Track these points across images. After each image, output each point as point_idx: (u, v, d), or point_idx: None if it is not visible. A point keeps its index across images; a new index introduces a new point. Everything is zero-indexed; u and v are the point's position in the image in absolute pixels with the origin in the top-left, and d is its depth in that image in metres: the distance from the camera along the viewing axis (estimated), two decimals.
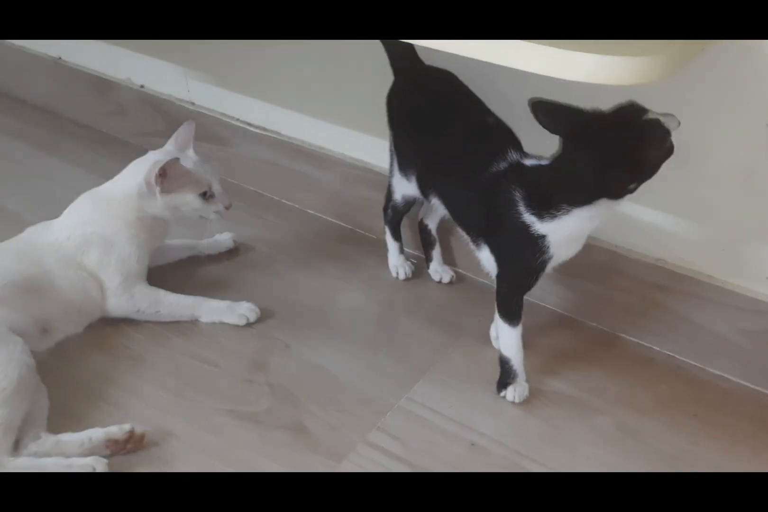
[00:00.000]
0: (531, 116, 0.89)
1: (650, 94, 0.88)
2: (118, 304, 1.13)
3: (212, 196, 1.16)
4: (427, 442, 1.00)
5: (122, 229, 1.14)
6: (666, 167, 1.03)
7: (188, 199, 1.14)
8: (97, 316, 1.14)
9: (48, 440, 0.92)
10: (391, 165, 1.19)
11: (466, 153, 1.00)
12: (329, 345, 1.15)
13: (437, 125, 1.05)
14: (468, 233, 1.05)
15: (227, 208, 1.19)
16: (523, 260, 0.97)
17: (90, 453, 0.92)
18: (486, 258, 1.03)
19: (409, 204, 1.21)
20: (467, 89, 1.06)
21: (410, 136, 1.11)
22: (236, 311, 1.16)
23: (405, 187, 1.17)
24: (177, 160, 1.12)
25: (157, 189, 1.11)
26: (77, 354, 1.10)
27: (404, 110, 1.13)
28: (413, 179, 1.14)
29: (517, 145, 0.99)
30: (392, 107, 1.16)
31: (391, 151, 1.18)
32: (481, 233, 1.02)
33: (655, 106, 0.88)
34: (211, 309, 1.17)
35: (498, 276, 1.03)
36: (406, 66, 1.13)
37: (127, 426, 0.94)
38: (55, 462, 0.90)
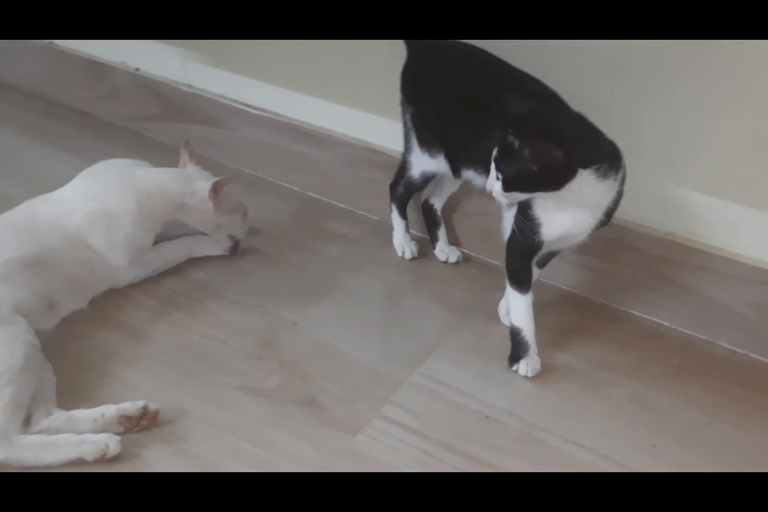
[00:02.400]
0: None
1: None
2: (124, 279, 1.14)
3: (245, 217, 1.24)
4: (441, 415, 0.98)
5: (134, 212, 1.13)
6: (673, 139, 1.04)
7: (236, 219, 1.22)
8: (101, 290, 1.13)
9: (60, 416, 0.90)
10: (408, 142, 1.17)
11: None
12: (337, 324, 1.14)
13: (471, 96, 1.03)
14: None
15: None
16: (525, 219, 0.96)
17: (103, 429, 0.90)
18: (509, 218, 1.02)
19: (427, 180, 1.20)
20: (493, 57, 1.04)
21: (436, 111, 1.09)
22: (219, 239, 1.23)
23: (427, 164, 1.16)
24: (229, 179, 1.19)
25: (210, 204, 1.16)
26: (83, 332, 1.07)
27: (426, 85, 1.11)
28: (438, 155, 1.12)
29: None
30: (409, 83, 1.14)
31: (407, 127, 1.17)
32: None
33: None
34: (198, 244, 1.23)
35: (508, 238, 1.03)
36: (421, 41, 1.11)
37: (140, 403, 0.92)
38: (67, 438, 0.88)
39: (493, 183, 0.92)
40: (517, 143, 0.86)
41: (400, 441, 0.94)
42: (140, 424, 0.92)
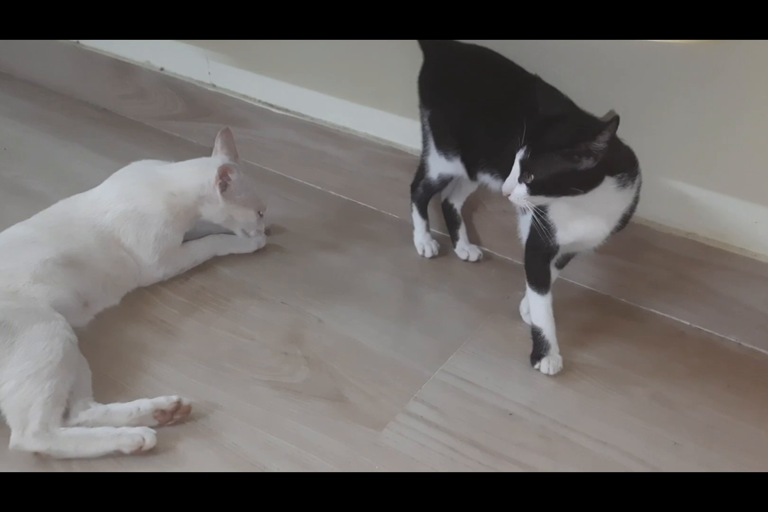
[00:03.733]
0: None
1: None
2: (154, 277, 1.19)
3: (261, 216, 1.25)
4: (465, 412, 1.00)
5: (163, 213, 1.16)
6: (696, 140, 1.05)
7: (248, 214, 1.23)
8: (132, 287, 1.16)
9: (97, 409, 0.93)
10: (426, 144, 1.19)
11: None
12: (361, 321, 1.16)
13: (487, 99, 1.04)
14: None
15: (267, 231, 1.30)
16: (541, 224, 0.97)
17: (138, 423, 0.93)
18: (525, 221, 1.04)
19: (445, 182, 1.21)
20: (508, 61, 1.05)
21: (453, 114, 1.11)
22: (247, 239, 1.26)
23: (444, 166, 1.18)
24: (235, 165, 1.20)
25: (217, 190, 1.17)
26: (116, 328, 1.10)
27: (442, 89, 1.13)
28: (455, 158, 1.14)
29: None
30: (426, 87, 1.16)
31: (424, 130, 1.18)
32: None
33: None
34: (224, 243, 1.26)
35: (526, 241, 1.04)
36: (437, 45, 1.13)
37: (174, 397, 0.95)
38: (105, 431, 0.91)
39: (513, 186, 0.90)
40: (559, 143, 0.85)
41: (425, 437, 0.96)
42: (174, 418, 0.94)
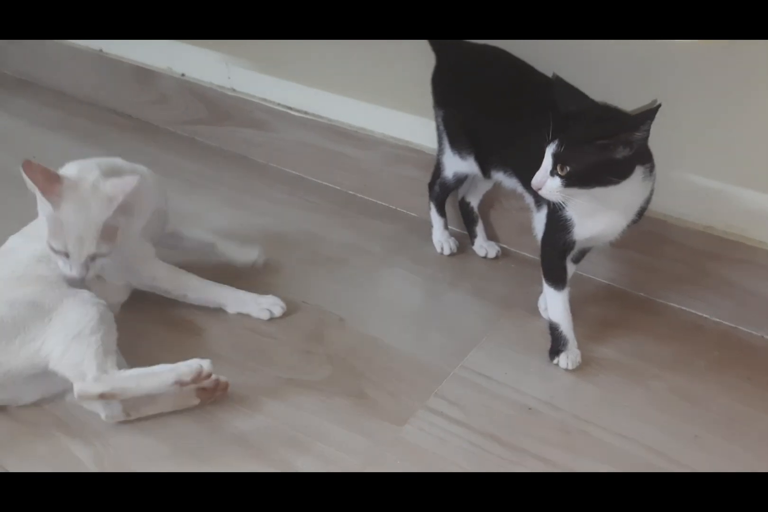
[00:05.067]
0: None
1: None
2: (140, 281, 1.12)
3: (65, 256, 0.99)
4: (486, 407, 1.02)
5: None
6: (713, 133, 1.05)
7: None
8: (131, 287, 1.13)
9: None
10: (441, 143, 1.21)
11: (538, 120, 0.94)
12: (381, 318, 1.18)
13: (499, 99, 1.06)
14: (535, 195, 1.04)
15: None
16: (558, 220, 0.98)
17: (182, 401, 0.98)
18: (540, 218, 1.05)
19: (460, 181, 1.23)
20: (520, 61, 1.07)
21: (465, 114, 1.12)
22: (261, 304, 1.15)
23: (458, 165, 1.19)
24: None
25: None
26: (141, 328, 1.12)
27: (455, 89, 1.14)
28: (468, 157, 1.16)
29: None
30: (439, 87, 1.17)
31: (439, 130, 1.20)
32: None
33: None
34: (236, 300, 1.15)
35: (542, 238, 1.05)
36: (448, 46, 1.14)
37: (213, 376, 0.97)
38: (163, 366, 0.95)
39: (544, 179, 0.89)
40: (595, 135, 0.85)
41: (446, 432, 0.98)
42: (214, 395, 0.98)
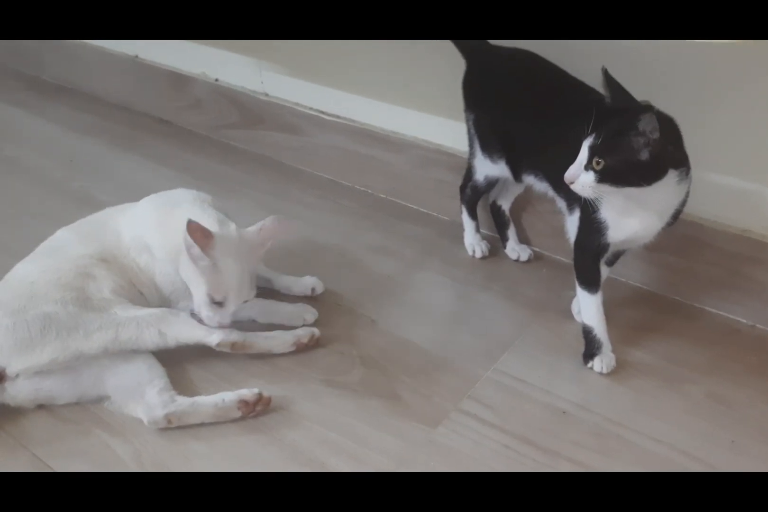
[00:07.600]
0: None
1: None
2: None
3: (219, 305, 1.03)
4: (519, 410, 1.02)
5: (165, 248, 1.08)
6: (749, 135, 1.04)
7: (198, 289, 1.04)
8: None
9: (184, 401, 0.98)
10: (472, 147, 1.21)
11: (570, 123, 0.94)
12: (413, 321, 1.18)
13: (530, 103, 1.06)
14: (567, 199, 1.06)
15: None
16: (592, 222, 0.98)
17: (223, 414, 0.99)
18: (573, 222, 1.04)
19: (491, 184, 1.23)
20: (551, 64, 1.07)
21: (496, 118, 1.13)
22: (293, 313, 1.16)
23: (489, 169, 1.19)
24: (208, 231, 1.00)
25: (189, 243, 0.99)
26: None
27: (485, 93, 1.15)
28: (500, 161, 1.16)
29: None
30: (470, 92, 1.18)
31: (470, 133, 1.21)
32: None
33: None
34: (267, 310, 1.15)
35: (575, 241, 1.05)
36: (478, 51, 1.15)
37: (255, 390, 1.00)
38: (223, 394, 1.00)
39: (578, 173, 0.88)
40: (639, 128, 0.84)
41: (480, 434, 0.98)
42: (256, 409, 1.00)
